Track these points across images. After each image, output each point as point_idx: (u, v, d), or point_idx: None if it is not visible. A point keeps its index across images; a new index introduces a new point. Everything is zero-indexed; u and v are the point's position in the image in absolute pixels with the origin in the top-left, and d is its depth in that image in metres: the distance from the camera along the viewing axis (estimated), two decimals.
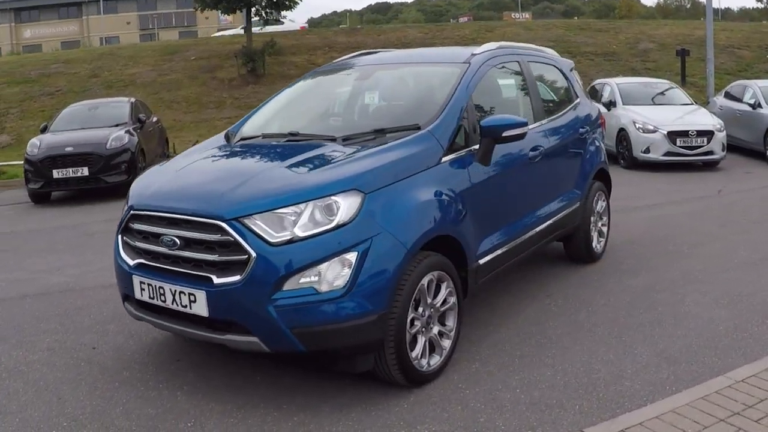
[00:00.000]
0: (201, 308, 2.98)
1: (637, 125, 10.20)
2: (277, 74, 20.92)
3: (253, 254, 2.86)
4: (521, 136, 3.72)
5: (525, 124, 3.71)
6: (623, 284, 4.80)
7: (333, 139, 3.59)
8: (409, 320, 3.10)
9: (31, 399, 3.30)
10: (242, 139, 4.02)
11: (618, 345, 3.69)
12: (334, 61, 5.15)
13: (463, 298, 3.58)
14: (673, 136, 9.92)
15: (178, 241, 3.08)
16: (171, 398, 3.26)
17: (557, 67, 5.19)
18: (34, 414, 3.14)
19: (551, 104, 4.93)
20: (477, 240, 3.64)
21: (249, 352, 3.19)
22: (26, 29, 56.68)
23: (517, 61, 4.54)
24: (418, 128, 3.53)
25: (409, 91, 4.22)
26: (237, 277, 2.89)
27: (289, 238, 2.88)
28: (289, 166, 3.24)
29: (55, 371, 3.62)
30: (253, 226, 2.90)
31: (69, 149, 9.46)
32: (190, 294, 3.00)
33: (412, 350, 3.18)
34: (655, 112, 10.57)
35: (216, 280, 2.94)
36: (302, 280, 2.87)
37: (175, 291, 3.05)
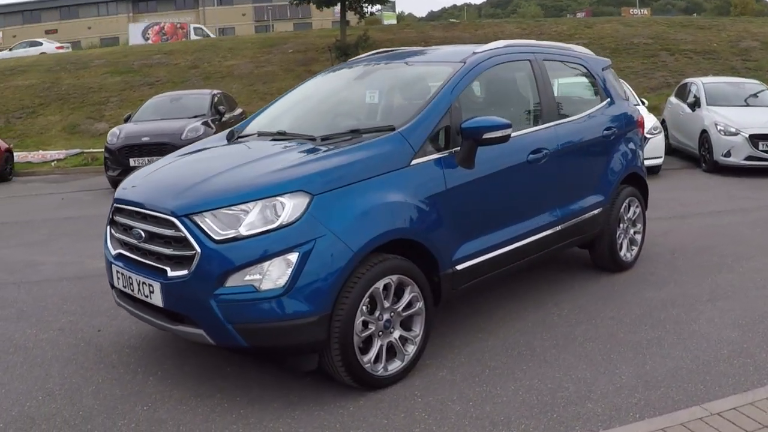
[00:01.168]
0: (157, 299, 3.12)
1: (719, 127, 9.47)
2: None
3: (198, 250, 2.95)
4: (504, 139, 3.56)
5: (508, 126, 3.54)
6: (641, 297, 4.49)
7: (313, 139, 3.61)
8: (358, 323, 3.07)
9: (22, 373, 3.58)
10: (239, 137, 4.13)
11: (602, 363, 3.46)
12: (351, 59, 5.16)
13: (435, 304, 3.51)
14: (755, 139, 9.12)
15: (143, 234, 3.23)
16: (142, 382, 3.43)
17: (585, 66, 4.90)
18: (19, 386, 3.41)
19: (569, 104, 4.67)
20: (454, 245, 3.53)
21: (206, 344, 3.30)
22: (143, 19, 60.53)
23: (528, 60, 4.32)
24: (393, 129, 3.47)
25: (399, 92, 4.15)
26: (185, 271, 3.00)
27: (233, 235, 2.94)
28: (252, 166, 3.30)
29: (55, 349, 3.91)
30: (201, 223, 2.98)
31: (145, 139, 10.08)
32: (149, 285, 3.14)
33: (365, 353, 3.16)
34: (741, 113, 9.78)
35: (170, 273, 3.07)
36: (246, 278, 2.92)
37: (140, 281, 3.20)
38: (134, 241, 3.29)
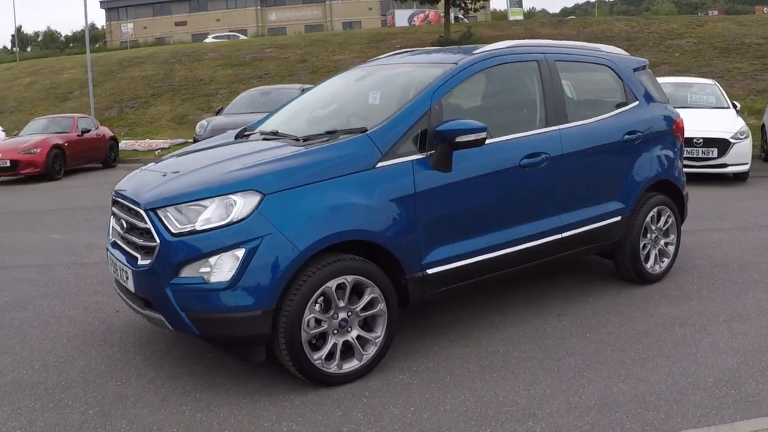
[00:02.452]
0: (131, 284, 3.36)
1: None
2: None
3: (158, 241, 3.15)
4: (479, 142, 3.46)
5: (482, 130, 3.44)
6: (653, 312, 4.20)
7: (297, 139, 3.71)
8: (307, 320, 3.14)
9: (33, 345, 3.97)
10: (244, 135, 4.29)
11: (571, 380, 3.30)
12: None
13: (403, 306, 3.51)
14: None
15: (125, 225, 3.49)
16: (128, 361, 3.69)
17: (610, 67, 4.61)
18: (25, 355, 3.79)
19: (583, 107, 4.43)
20: (425, 249, 3.49)
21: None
22: (271, 13, 62.62)
23: (536, 61, 4.15)
24: (365, 131, 3.49)
25: (390, 94, 4.11)
26: (149, 261, 3.21)
27: (189, 230, 3.10)
28: (223, 165, 3.44)
29: (71, 326, 4.28)
30: (162, 217, 3.17)
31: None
32: (126, 271, 3.39)
33: (316, 350, 3.22)
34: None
35: (139, 261, 3.29)
36: (199, 270, 3.07)
37: (122, 268, 3.46)
38: (120, 231, 3.56)
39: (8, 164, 11.39)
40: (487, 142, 3.74)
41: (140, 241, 3.31)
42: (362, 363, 3.35)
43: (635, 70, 4.78)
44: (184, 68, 25.85)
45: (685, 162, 8.81)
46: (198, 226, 3.09)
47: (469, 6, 25.78)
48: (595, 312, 4.26)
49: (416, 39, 24.44)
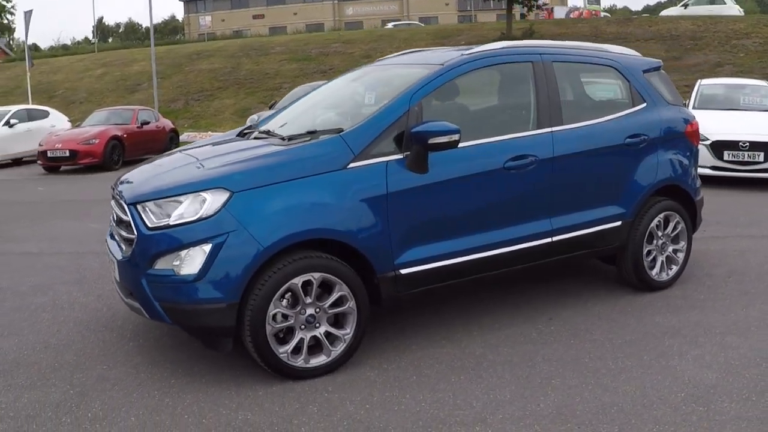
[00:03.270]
0: (117, 274, 3.56)
1: None
2: None
3: (135, 234, 3.32)
4: (452, 144, 3.46)
5: (455, 132, 3.42)
6: (648, 321, 4.07)
7: (282, 138, 3.81)
8: (271, 314, 3.24)
9: (41, 327, 4.25)
10: (244, 133, 4.43)
11: (535, 387, 3.25)
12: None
13: (376, 304, 3.56)
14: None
15: (115, 217, 3.69)
16: (120, 346, 3.90)
17: (616, 69, 4.47)
18: (31, 338, 4.07)
19: (582, 108, 4.32)
20: (398, 249, 3.52)
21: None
22: (348, 7, 62.86)
23: (530, 62, 4.08)
24: (341, 132, 3.55)
25: (377, 94, 4.13)
26: (129, 252, 3.39)
27: (164, 224, 3.26)
28: (206, 162, 3.59)
29: (81, 311, 4.53)
30: (141, 211, 3.34)
31: None
32: (113, 261, 3.60)
33: (282, 344, 3.32)
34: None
35: (123, 252, 3.49)
36: (172, 262, 3.23)
37: (111, 258, 3.68)
38: (113, 223, 3.78)
39: (67, 154, 12.12)
40: (470, 143, 3.76)
41: (124, 233, 3.51)
42: (330, 359, 3.43)
43: (646, 71, 4.61)
44: (251, 62, 26.56)
45: (730, 165, 8.46)
46: (172, 221, 3.25)
47: (532, 3, 25.29)
48: (587, 318, 4.17)
49: (481, 36, 24.17)
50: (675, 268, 4.69)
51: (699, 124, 8.29)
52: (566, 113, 4.14)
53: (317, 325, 3.40)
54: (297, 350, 3.37)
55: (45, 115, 14.96)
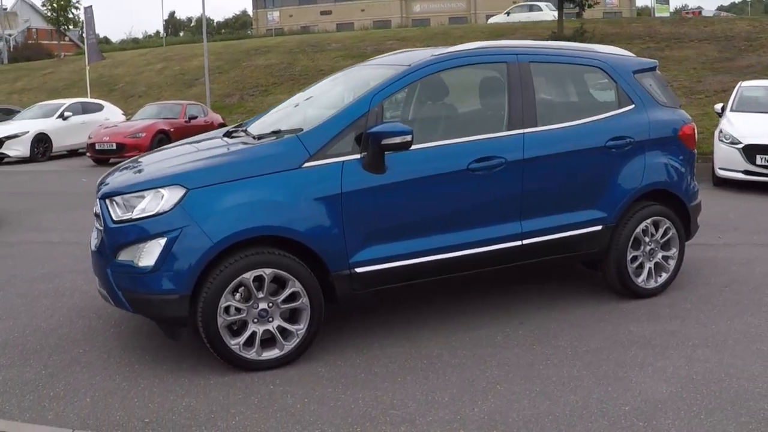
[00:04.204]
0: (90, 264, 3.78)
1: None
2: None
3: (103, 226, 3.51)
4: (405, 145, 3.47)
5: (407, 133, 3.44)
6: (622, 330, 3.96)
7: (253, 137, 3.92)
8: (223, 307, 3.36)
9: (38, 312, 4.51)
10: (230, 133, 4.52)
11: (477, 392, 3.23)
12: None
13: (331, 302, 3.63)
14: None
15: (95, 210, 3.91)
16: (102, 332, 4.12)
17: (603, 69, 4.34)
18: (26, 321, 4.34)
19: (561, 110, 4.22)
20: (353, 247, 3.58)
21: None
22: (416, 4, 62.61)
23: (505, 63, 4.03)
24: (301, 131, 3.62)
25: (353, 94, 4.16)
26: (99, 243, 3.59)
27: (127, 218, 3.43)
28: (176, 159, 3.74)
29: (79, 299, 4.77)
30: (109, 205, 3.52)
31: None
32: (90, 251, 3.82)
33: (234, 336, 3.44)
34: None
35: (94, 244, 3.69)
36: (132, 254, 3.39)
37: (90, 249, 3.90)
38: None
39: (114, 147, 12.71)
40: (432, 144, 3.77)
41: (98, 226, 3.71)
42: (283, 352, 3.52)
43: (636, 72, 4.46)
44: (307, 58, 26.94)
45: (763, 170, 8.00)
46: (134, 215, 3.41)
47: (584, 2, 24.66)
48: (560, 323, 4.10)
49: (534, 34, 23.67)
50: (665, 276, 4.53)
51: (729, 127, 8.01)
52: (542, 114, 4.07)
53: (270, 319, 3.49)
54: (250, 343, 3.47)
55: (99, 108, 15.74)
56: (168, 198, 3.37)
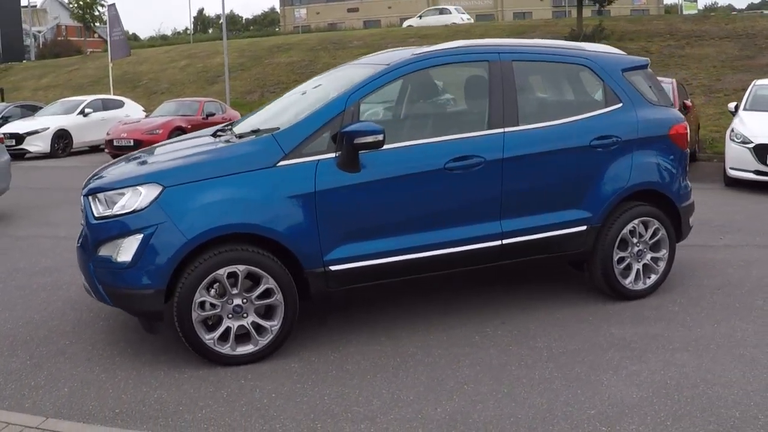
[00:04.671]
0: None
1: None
2: None
3: (85, 223, 3.60)
4: (377, 144, 3.50)
5: (378, 132, 3.46)
6: (603, 332, 3.92)
7: (237, 136, 3.98)
8: (197, 302, 3.42)
9: (33, 305, 4.63)
10: (217, 132, 4.56)
11: (444, 391, 3.24)
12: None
13: (307, 299, 3.67)
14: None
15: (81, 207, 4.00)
16: (90, 326, 4.21)
17: (589, 67, 4.28)
18: (19, 314, 4.45)
19: (544, 109, 4.19)
20: (327, 245, 3.60)
21: None
22: (441, 2, 62.82)
23: (486, 61, 4.02)
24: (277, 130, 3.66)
25: (331, 93, 4.18)
26: (83, 238, 3.68)
27: (108, 214, 3.51)
28: (158, 157, 3.81)
29: (75, 292, 4.81)
30: (92, 202, 3.61)
31: None
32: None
33: (209, 331, 3.49)
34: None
35: (80, 239, 3.78)
36: (111, 249, 3.47)
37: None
38: None
39: (132, 143, 12.89)
40: (408, 144, 3.78)
41: (82, 222, 3.81)
42: (257, 348, 3.57)
43: (625, 70, 4.40)
44: (328, 55, 27.03)
45: None
46: (114, 212, 3.49)
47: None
48: (541, 324, 4.07)
49: (555, 32, 23.46)
50: (654, 278, 4.46)
51: (741, 126, 7.82)
52: (525, 114, 4.05)
53: (245, 315, 3.54)
54: (224, 338, 3.53)
55: (120, 105, 16.02)
56: (145, 195, 3.44)
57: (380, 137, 3.49)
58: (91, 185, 3.73)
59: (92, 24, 36.63)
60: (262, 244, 3.53)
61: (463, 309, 4.33)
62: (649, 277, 4.46)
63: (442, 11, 34.23)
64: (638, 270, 4.41)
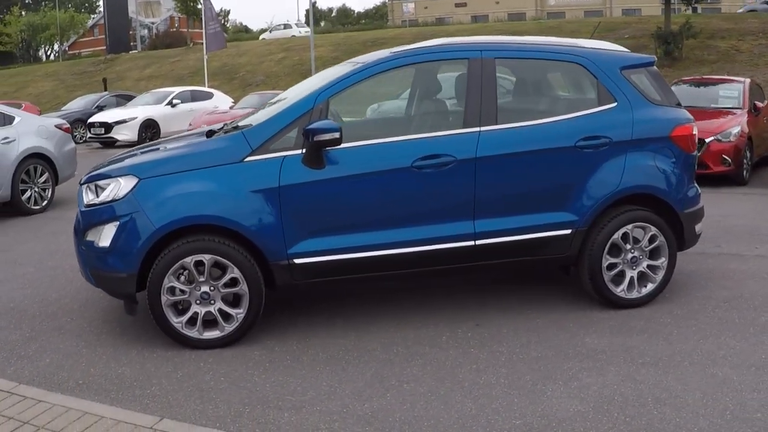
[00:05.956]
0: None
1: None
2: (695, 58, 18.96)
3: (78, 210, 3.95)
4: (335, 142, 3.57)
5: (335, 130, 3.53)
6: (577, 342, 3.76)
7: (224, 132, 4.18)
8: (166, 287, 3.65)
9: (56, 284, 5.07)
10: (213, 131, 4.79)
11: (380, 389, 3.27)
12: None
13: (273, 289, 3.82)
14: None
15: None
16: (95, 304, 4.56)
17: (582, 66, 4.08)
18: (41, 291, 4.92)
19: (528, 108, 4.05)
20: (291, 239, 3.73)
21: None
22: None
23: (467, 59, 3.96)
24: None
25: (304, 91, 4.23)
26: (76, 224, 4.04)
27: (94, 202, 3.82)
28: (150, 151, 4.09)
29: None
30: (84, 191, 3.94)
31: None
32: None
33: (178, 315, 3.73)
34: None
35: (74, 225, 4.15)
36: (95, 235, 3.79)
37: None
38: None
39: None
40: (375, 142, 3.83)
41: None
42: (223, 334, 3.76)
43: (625, 68, 4.16)
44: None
45: None
46: (98, 200, 3.81)
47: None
48: (515, 328, 3.97)
49: (647, 29, 22.22)
50: (651, 287, 4.21)
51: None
52: (506, 112, 3.95)
53: (212, 301, 3.74)
54: (193, 322, 3.75)
55: (209, 96, 16.95)
56: (123, 186, 3.72)
57: (337, 135, 3.57)
58: (85, 176, 4.08)
59: (195, 16, 38.71)
60: (229, 236, 3.71)
61: (445, 308, 4.30)
62: (645, 286, 4.22)
63: (285, 26, 40.66)
64: (632, 278, 4.19)
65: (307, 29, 36.04)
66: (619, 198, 4.07)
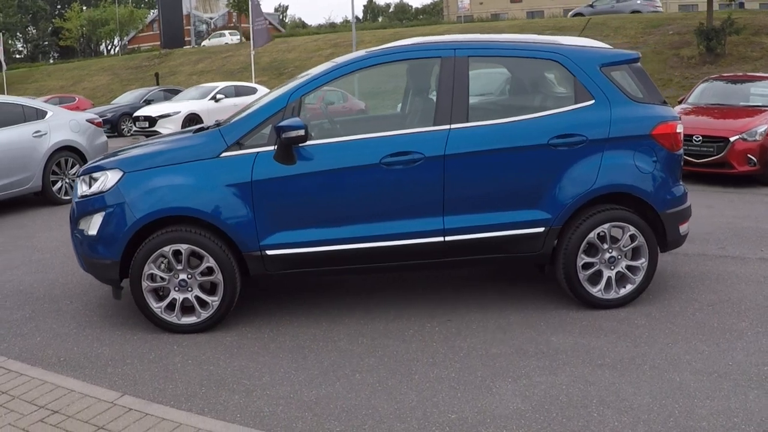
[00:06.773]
0: None
1: None
2: (738, 55, 18.20)
3: (73, 200, 4.22)
4: (300, 139, 3.71)
5: (300, 128, 3.66)
6: (541, 340, 3.78)
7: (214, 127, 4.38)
8: (146, 274, 3.86)
9: (65, 269, 5.40)
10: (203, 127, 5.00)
11: (332, 379, 3.38)
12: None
13: (246, 278, 4.00)
14: None
15: None
16: (96, 288, 4.85)
17: (560, 63, 4.06)
18: (50, 276, 5.28)
19: (500, 106, 4.05)
20: (263, 231, 3.88)
21: None
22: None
23: (439, 57, 4.00)
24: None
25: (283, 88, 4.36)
26: (71, 213, 4.32)
27: (87, 193, 4.08)
28: (142, 146, 4.33)
29: None
30: (79, 183, 4.21)
31: None
32: None
33: (158, 301, 3.94)
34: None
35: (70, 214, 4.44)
36: (86, 224, 4.05)
37: None
38: None
39: None
40: (346, 139, 3.93)
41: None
42: (199, 319, 3.95)
43: (605, 65, 4.11)
44: None
45: None
46: (89, 192, 4.07)
47: None
48: (483, 324, 4.01)
49: (693, 26, 21.37)
50: (629, 287, 4.16)
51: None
52: (477, 110, 3.99)
53: (190, 289, 3.94)
54: (171, 307, 3.96)
55: (252, 91, 17.32)
56: (110, 179, 3.96)
57: (302, 132, 3.70)
58: (81, 169, 4.35)
59: (247, 12, 39.71)
60: (205, 227, 3.90)
61: (423, 303, 4.37)
62: (624, 287, 4.17)
63: (221, 35, 43.91)
64: (610, 278, 4.15)
65: (237, 37, 41.61)
66: (595, 197, 4.04)
